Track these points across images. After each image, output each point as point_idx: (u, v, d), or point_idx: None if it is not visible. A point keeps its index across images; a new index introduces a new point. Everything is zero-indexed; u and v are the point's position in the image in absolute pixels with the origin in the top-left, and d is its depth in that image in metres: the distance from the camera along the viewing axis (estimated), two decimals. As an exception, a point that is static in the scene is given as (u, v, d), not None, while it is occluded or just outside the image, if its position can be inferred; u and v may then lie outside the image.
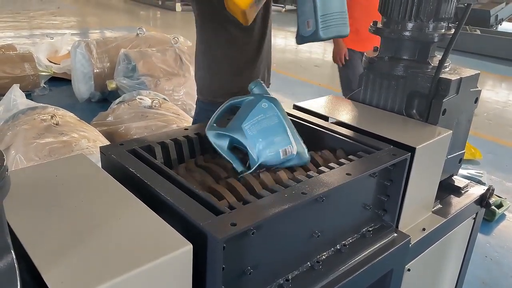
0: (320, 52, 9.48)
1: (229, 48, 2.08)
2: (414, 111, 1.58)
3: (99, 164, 1.16)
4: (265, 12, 2.07)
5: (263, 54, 2.15)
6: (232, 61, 2.10)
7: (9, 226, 0.83)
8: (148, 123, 3.42)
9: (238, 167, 1.19)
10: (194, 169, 1.25)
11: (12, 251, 0.65)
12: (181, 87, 4.85)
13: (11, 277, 0.64)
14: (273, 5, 2.17)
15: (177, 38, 5.44)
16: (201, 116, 2.22)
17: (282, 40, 10.09)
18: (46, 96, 5.45)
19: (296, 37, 1.45)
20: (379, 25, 1.67)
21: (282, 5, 15.27)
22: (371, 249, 1.26)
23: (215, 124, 1.24)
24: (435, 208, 1.59)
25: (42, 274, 0.72)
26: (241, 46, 2.08)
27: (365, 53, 1.73)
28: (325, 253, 1.18)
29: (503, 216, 3.39)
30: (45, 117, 3.01)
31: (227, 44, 2.07)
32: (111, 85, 4.87)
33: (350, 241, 1.25)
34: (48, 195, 0.96)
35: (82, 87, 5.12)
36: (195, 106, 2.35)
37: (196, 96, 2.27)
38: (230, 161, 1.20)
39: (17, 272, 0.65)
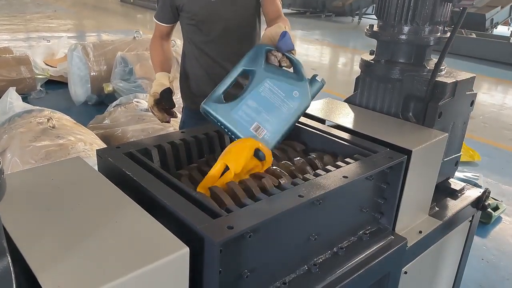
0: (317, 55, 9.52)
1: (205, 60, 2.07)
2: (410, 114, 1.58)
3: (96, 167, 1.16)
4: (247, 25, 2.04)
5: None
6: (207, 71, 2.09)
7: (4, 229, 0.83)
8: (145, 126, 3.41)
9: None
10: (191, 172, 1.24)
11: (8, 255, 0.65)
12: (178, 90, 4.84)
13: (6, 281, 0.64)
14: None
15: (174, 42, 5.44)
16: (188, 124, 2.19)
17: (279, 43, 10.09)
18: (43, 99, 5.43)
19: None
20: (375, 28, 1.68)
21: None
22: (368, 252, 1.26)
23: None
24: (431, 211, 1.59)
25: (38, 278, 0.71)
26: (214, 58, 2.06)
27: (361, 57, 1.73)
28: (322, 256, 1.18)
29: (499, 219, 3.40)
30: (41, 120, 3.00)
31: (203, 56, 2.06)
32: (108, 88, 4.86)
33: (347, 244, 1.26)
34: (44, 198, 0.95)
35: (79, 90, 5.11)
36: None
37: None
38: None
39: (12, 276, 0.65)
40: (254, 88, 1.26)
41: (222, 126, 1.25)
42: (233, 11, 1.97)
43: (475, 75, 1.63)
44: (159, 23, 2.08)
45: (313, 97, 1.31)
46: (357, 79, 1.75)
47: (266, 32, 1.42)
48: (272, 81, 1.26)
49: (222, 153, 1.18)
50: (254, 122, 1.23)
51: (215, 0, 1.92)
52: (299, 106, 1.27)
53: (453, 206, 1.66)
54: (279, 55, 1.31)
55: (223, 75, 2.06)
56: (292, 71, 1.33)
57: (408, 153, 1.30)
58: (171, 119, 1.93)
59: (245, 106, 1.23)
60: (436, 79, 1.51)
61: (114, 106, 3.86)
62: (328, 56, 9.93)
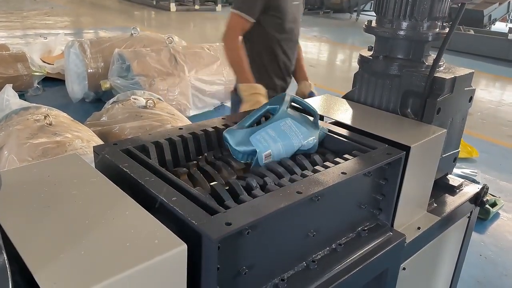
0: (315, 52, 9.51)
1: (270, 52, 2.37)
2: (409, 110, 1.58)
3: (93, 164, 1.15)
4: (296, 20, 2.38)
5: (289, 59, 2.47)
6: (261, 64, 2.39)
7: (0, 226, 0.82)
8: (143, 123, 3.40)
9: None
10: (188, 169, 1.24)
11: (4, 252, 0.64)
12: (175, 87, 4.83)
13: (2, 279, 0.63)
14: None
15: (172, 38, 5.43)
16: (235, 108, 2.43)
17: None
18: (40, 96, 5.42)
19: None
20: (374, 24, 1.67)
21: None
22: (367, 248, 1.26)
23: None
24: (430, 207, 1.59)
25: (35, 275, 0.71)
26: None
27: (360, 53, 1.73)
28: (320, 252, 1.18)
29: (497, 215, 3.41)
30: (38, 117, 2.99)
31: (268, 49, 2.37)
32: (105, 85, 4.84)
33: (346, 240, 1.25)
34: (41, 195, 0.94)
35: (76, 87, 5.09)
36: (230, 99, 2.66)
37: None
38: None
39: (8, 273, 0.64)
40: (275, 121, 1.30)
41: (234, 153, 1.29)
42: (299, 15, 2.38)
43: (473, 71, 1.63)
44: (248, 18, 2.01)
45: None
46: (356, 75, 1.74)
47: (298, 90, 2.16)
48: (293, 121, 1.31)
49: None
50: (269, 149, 1.25)
51: (295, 4, 2.29)
52: (309, 151, 1.32)
53: (452, 202, 1.66)
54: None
55: (291, 69, 2.44)
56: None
57: (407, 149, 1.30)
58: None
59: (264, 133, 1.27)
60: (435, 75, 1.50)
61: (112, 103, 3.84)
62: (327, 53, 9.92)
